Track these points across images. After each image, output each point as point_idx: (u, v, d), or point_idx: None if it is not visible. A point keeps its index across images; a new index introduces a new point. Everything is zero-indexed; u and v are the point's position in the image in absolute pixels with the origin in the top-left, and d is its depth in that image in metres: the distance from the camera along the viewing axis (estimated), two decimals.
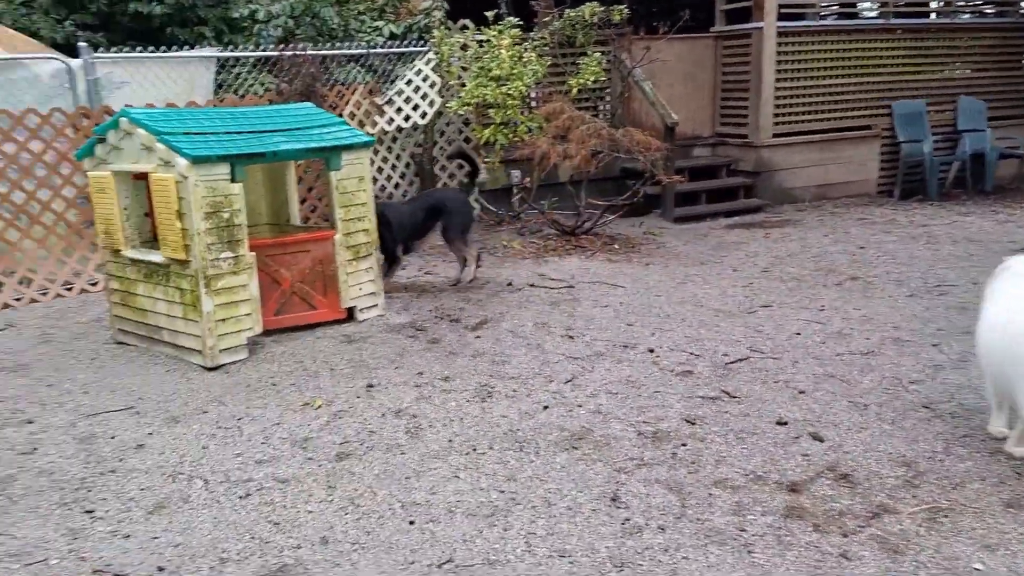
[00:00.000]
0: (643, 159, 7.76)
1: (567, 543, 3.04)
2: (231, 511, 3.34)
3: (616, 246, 7.98)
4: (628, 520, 3.19)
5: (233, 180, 4.96)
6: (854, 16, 12.33)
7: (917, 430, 3.86)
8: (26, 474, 3.71)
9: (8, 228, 6.67)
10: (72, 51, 7.48)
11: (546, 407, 4.29)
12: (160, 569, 2.94)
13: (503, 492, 3.43)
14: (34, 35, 8.67)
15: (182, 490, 3.53)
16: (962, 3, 11.92)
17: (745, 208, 9.75)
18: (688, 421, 4.06)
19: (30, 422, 4.30)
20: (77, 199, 6.98)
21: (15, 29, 8.39)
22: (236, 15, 9.41)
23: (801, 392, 4.38)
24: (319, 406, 4.38)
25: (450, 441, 3.92)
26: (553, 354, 5.08)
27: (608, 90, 9.45)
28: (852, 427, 3.92)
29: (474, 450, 3.83)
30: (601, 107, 9.38)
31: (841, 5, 12.52)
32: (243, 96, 8.08)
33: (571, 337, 5.40)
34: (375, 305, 5.93)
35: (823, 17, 10.84)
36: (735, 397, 4.34)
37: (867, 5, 12.85)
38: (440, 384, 4.64)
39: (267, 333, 5.33)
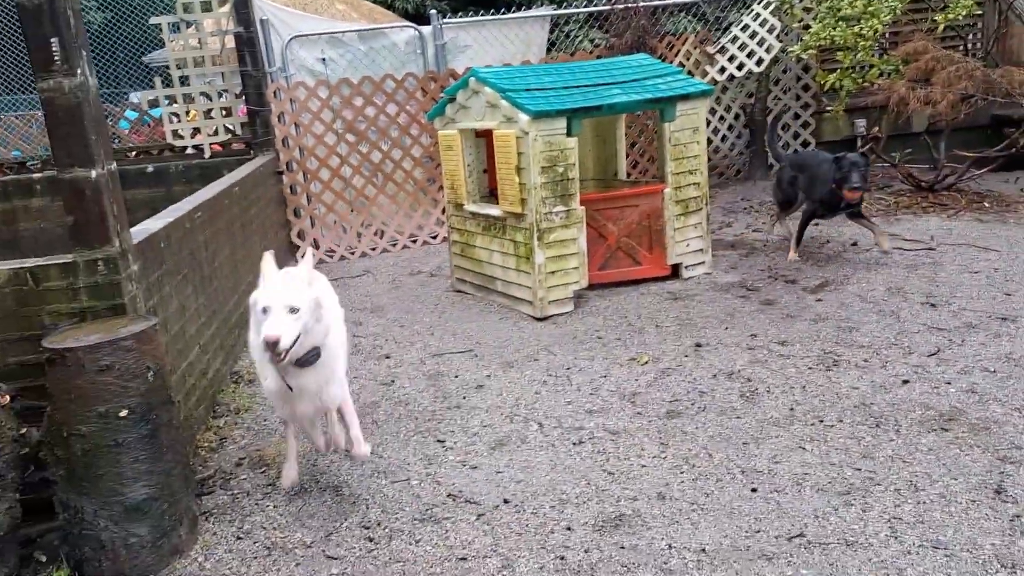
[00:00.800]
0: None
1: (941, 534, 2.62)
2: (566, 456, 3.37)
3: (985, 204, 6.86)
4: (1019, 517, 2.67)
5: (569, 134, 5.00)
6: None
7: None
8: (387, 402, 4.08)
9: (367, 185, 7.47)
10: (419, 19, 8.12)
11: (906, 381, 3.77)
12: (506, 501, 3.04)
13: (859, 470, 3.06)
14: (389, 6, 9.58)
15: (519, 431, 3.64)
16: None
17: None
18: None
19: (387, 357, 4.75)
20: (423, 158, 7.60)
21: (372, 1, 9.33)
22: None
23: None
24: (646, 362, 4.30)
25: (791, 409, 3.61)
26: (911, 323, 4.47)
27: (978, 27, 8.12)
28: None
29: (820, 421, 3.48)
30: (968, 46, 8.08)
31: None
32: (572, 54, 8.20)
33: (933, 305, 4.72)
34: (702, 263, 5.70)
35: None
36: None
37: None
38: (776, 348, 4.31)
39: (591, 287, 5.37)
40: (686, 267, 5.63)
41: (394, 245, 7.54)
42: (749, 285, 5.40)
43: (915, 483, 2.94)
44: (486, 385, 4.20)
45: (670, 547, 2.67)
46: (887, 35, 7.70)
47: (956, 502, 2.80)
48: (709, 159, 8.54)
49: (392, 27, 7.81)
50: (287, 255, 7.17)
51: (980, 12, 7.86)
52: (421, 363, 4.60)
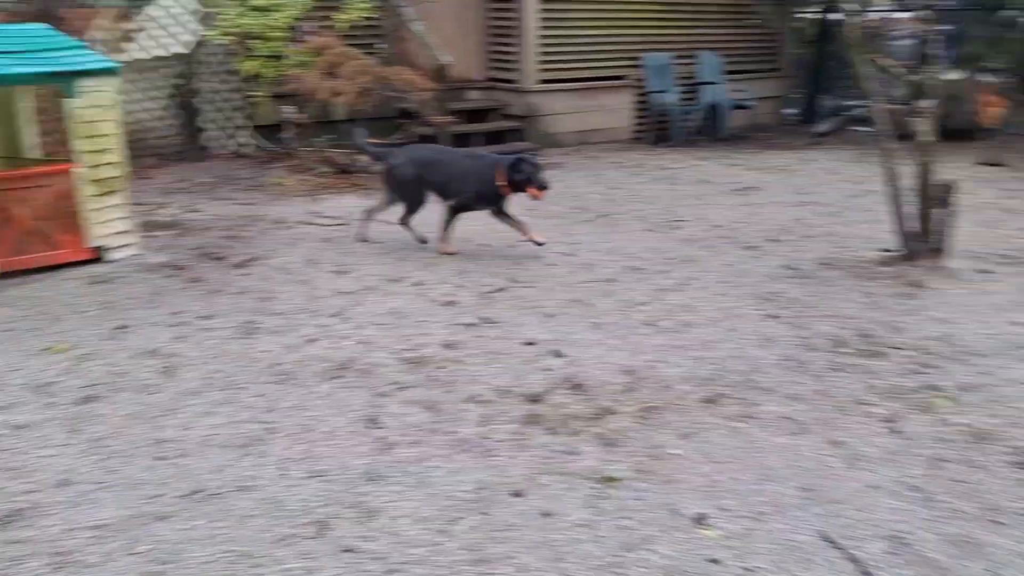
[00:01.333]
0: (414, 99, 7.83)
1: (323, 464, 3.15)
2: None
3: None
4: (384, 438, 3.35)
5: None
6: None
7: (640, 343, 4.36)
8: None
9: None
10: None
11: (312, 340, 4.33)
12: None
13: (262, 423, 3.46)
14: None
15: None
16: None
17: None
18: (447, 346, 4.28)
19: None
20: None
21: None
22: None
23: (549, 316, 4.75)
24: (63, 350, 4.14)
25: (208, 378, 3.88)
26: (323, 289, 5.11)
27: (383, 28, 9.35)
28: (588, 344, 4.35)
29: (234, 385, 3.81)
30: (377, 46, 9.26)
31: None
32: None
33: (342, 273, 5.45)
34: (127, 244, 5.60)
35: None
36: (493, 322, 4.63)
37: None
38: (199, 323, 4.53)
39: (4, 276, 4.91)
40: (110, 249, 5.48)
41: None
42: (178, 264, 5.51)
43: (308, 426, 3.45)
44: None
45: (68, 530, 2.72)
46: (306, 29, 8.39)
47: (338, 435, 3.37)
48: (145, 139, 8.34)
49: None
50: None
51: (381, 17, 9.04)
52: None
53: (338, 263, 5.65)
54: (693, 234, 6.70)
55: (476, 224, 6.82)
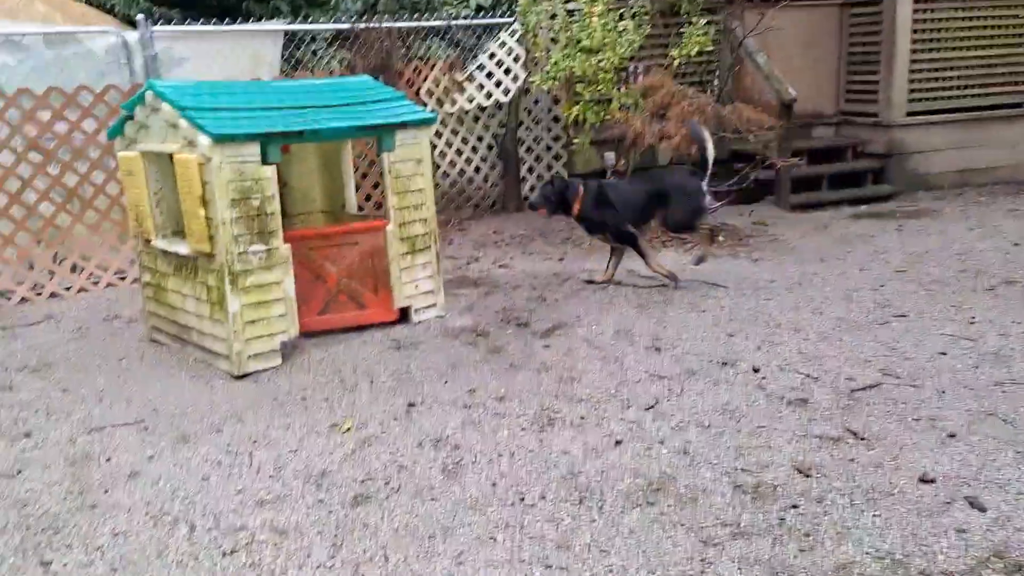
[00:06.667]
0: (754, 139, 6.71)
1: None
2: (206, 574, 2.67)
3: (720, 238, 6.92)
4: None
5: (264, 162, 4.31)
6: None
7: None
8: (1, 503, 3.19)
9: (60, 213, 6.32)
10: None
11: (619, 442, 3.45)
12: None
13: (550, 567, 2.62)
14: (108, 11, 8.39)
15: (160, 538, 2.90)
16: None
17: (873, 196, 8.48)
18: (801, 471, 3.14)
19: (27, 435, 3.80)
20: None
21: (87, 3, 8.11)
22: None
23: (951, 436, 3.35)
24: (347, 429, 3.70)
25: (494, 485, 3.16)
26: (634, 370, 4.21)
27: (717, 64, 8.36)
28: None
29: (522, 500, 3.04)
30: (709, 82, 8.30)
31: None
32: (315, 72, 7.52)
33: (658, 349, 4.51)
34: (433, 305, 5.20)
35: None
36: (863, 439, 3.37)
37: None
38: (493, 405, 3.88)
39: (310, 335, 4.74)
40: (416, 310, 5.11)
41: (96, 283, 6.43)
42: (480, 330, 4.97)
43: None
44: (144, 471, 3.41)
45: None
46: (632, 69, 7.70)
47: None
48: (464, 190, 8.24)
49: (87, 31, 6.70)
50: None
51: (716, 50, 8.07)
52: (70, 442, 3.71)
53: (654, 335, 4.72)
54: None
55: (830, 291, 5.48)
